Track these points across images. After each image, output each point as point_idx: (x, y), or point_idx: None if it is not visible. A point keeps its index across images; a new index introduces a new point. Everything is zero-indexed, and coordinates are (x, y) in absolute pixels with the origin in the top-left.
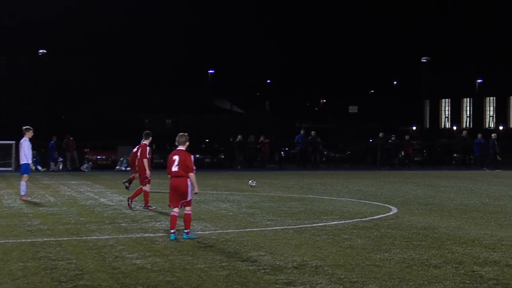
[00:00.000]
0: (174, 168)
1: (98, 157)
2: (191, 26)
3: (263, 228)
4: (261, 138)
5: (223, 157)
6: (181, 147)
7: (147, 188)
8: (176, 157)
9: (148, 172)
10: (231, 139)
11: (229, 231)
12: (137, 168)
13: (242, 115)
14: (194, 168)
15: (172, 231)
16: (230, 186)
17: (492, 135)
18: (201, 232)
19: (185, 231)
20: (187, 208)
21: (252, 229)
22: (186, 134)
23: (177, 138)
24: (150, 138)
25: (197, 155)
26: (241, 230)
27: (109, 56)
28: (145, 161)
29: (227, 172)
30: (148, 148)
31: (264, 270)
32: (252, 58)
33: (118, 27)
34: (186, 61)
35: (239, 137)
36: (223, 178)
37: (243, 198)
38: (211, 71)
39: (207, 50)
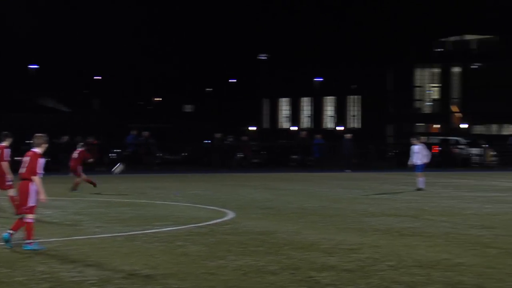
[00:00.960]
0: (21, 170)
1: None
2: (9, 17)
3: (90, 236)
4: (89, 139)
5: (48, 159)
6: (36, 149)
7: (11, 193)
8: (26, 159)
9: (8, 176)
10: (55, 140)
11: (52, 239)
12: None
13: (68, 114)
14: (41, 172)
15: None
16: (55, 190)
17: (347, 135)
18: (20, 241)
19: (27, 241)
20: (28, 216)
21: (78, 237)
22: (43, 135)
23: (33, 139)
24: (11, 139)
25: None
26: (66, 238)
27: None
28: (5, 164)
29: (52, 176)
30: (7, 150)
31: (91, 282)
32: (78, 53)
33: None
34: (4, 55)
35: (65, 138)
36: (47, 182)
37: (69, 204)
38: (34, 66)
39: (29, 44)
